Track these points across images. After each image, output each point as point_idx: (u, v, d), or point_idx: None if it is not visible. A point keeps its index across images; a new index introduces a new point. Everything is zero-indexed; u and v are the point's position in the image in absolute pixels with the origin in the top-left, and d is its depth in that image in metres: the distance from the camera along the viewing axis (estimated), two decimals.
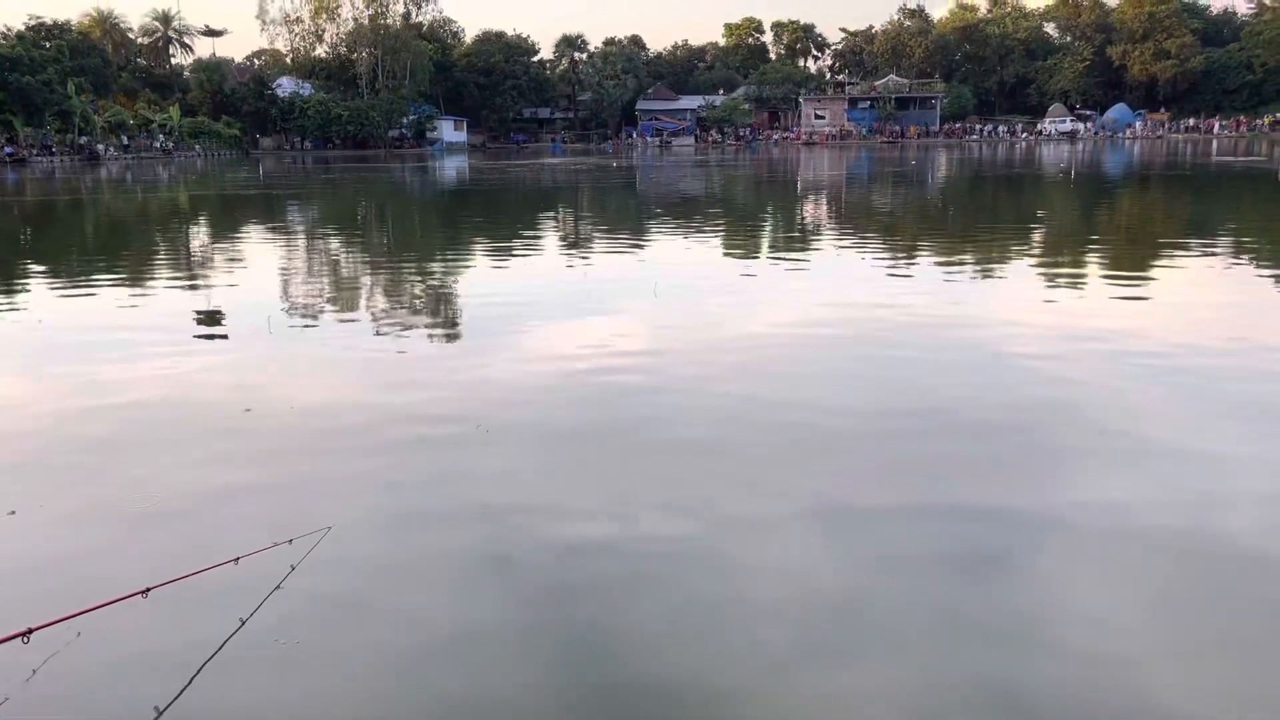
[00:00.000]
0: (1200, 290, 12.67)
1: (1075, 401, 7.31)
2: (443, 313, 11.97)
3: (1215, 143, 77.06)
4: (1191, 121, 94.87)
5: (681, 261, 16.33)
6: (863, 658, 3.87)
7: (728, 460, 6.11)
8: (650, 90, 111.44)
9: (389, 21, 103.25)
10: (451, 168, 60.12)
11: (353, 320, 11.50)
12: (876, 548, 4.86)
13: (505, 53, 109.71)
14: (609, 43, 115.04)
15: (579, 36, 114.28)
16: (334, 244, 21.11)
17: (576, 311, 11.51)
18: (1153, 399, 7.43)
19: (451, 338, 10.42)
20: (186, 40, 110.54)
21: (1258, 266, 15.12)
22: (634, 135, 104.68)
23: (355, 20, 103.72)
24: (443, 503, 5.50)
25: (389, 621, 4.18)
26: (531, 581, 4.51)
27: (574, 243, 19.51)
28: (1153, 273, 14.49)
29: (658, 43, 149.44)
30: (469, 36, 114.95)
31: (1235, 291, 12.61)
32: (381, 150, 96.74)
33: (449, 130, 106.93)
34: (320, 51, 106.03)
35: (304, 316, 11.66)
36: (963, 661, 3.82)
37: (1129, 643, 3.94)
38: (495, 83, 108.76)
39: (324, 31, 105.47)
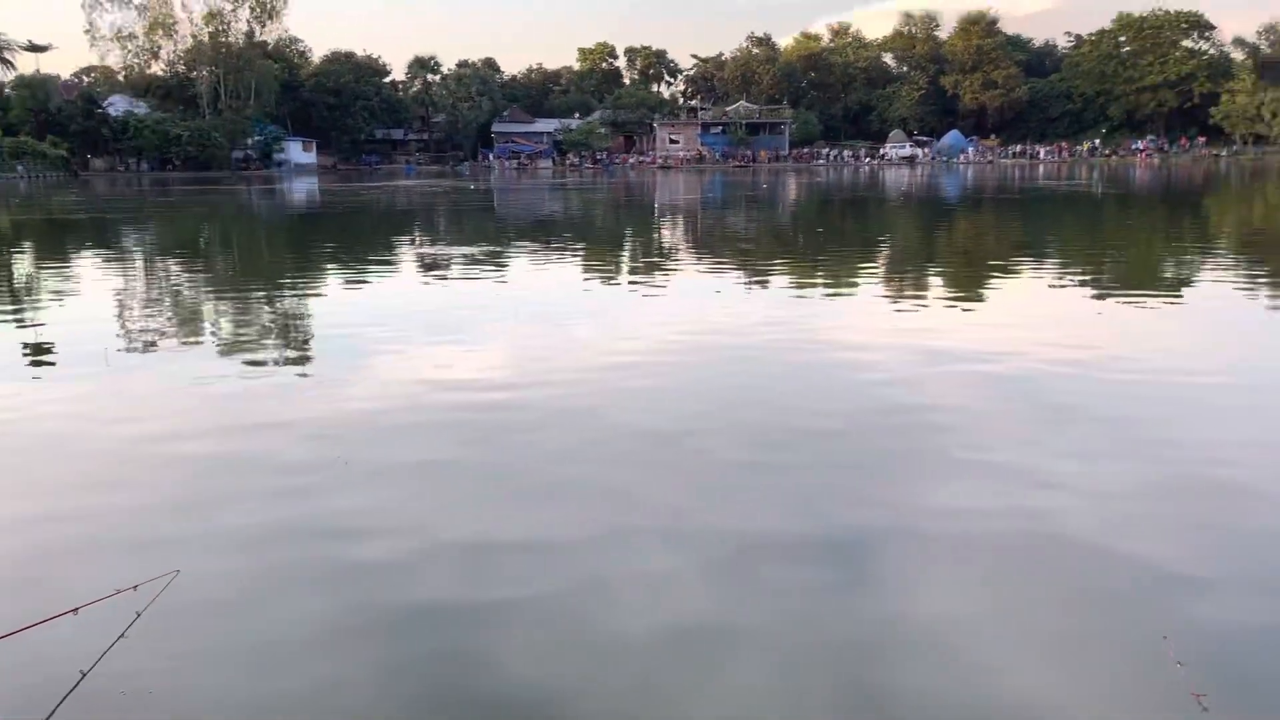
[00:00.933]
0: (1032, 304, 13.48)
1: (921, 413, 7.64)
2: (295, 341, 11.57)
3: (1041, 167, 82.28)
4: (1019, 147, 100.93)
5: (543, 285, 16.30)
6: (727, 672, 3.92)
7: (590, 485, 6.11)
8: (506, 113, 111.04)
9: (231, 40, 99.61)
10: (301, 190, 58.35)
11: (198, 351, 10.97)
12: (737, 562, 4.94)
13: (355, 73, 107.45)
14: (463, 64, 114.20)
15: (432, 58, 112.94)
16: (175, 271, 20.13)
17: (436, 338, 11.31)
18: (991, 409, 7.84)
19: (305, 367, 10.07)
20: (7, 55, 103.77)
21: (1080, 281, 16.18)
22: (491, 158, 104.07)
23: (194, 38, 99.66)
24: (298, 542, 5.30)
25: (241, 669, 3.99)
26: (392, 625, 4.39)
27: (432, 266, 19.21)
28: (988, 289, 15.32)
29: (512, 65, 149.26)
30: (317, 56, 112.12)
31: (1063, 305, 13.46)
32: (226, 172, 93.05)
33: (297, 151, 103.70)
34: (156, 69, 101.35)
35: (144, 348, 11.07)
36: (824, 670, 3.92)
37: (980, 642, 4.13)
38: (345, 103, 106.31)
39: (160, 49, 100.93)
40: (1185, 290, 15.24)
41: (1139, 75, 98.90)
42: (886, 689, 3.79)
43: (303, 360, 10.37)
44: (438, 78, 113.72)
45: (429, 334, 11.50)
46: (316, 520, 5.55)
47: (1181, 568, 4.81)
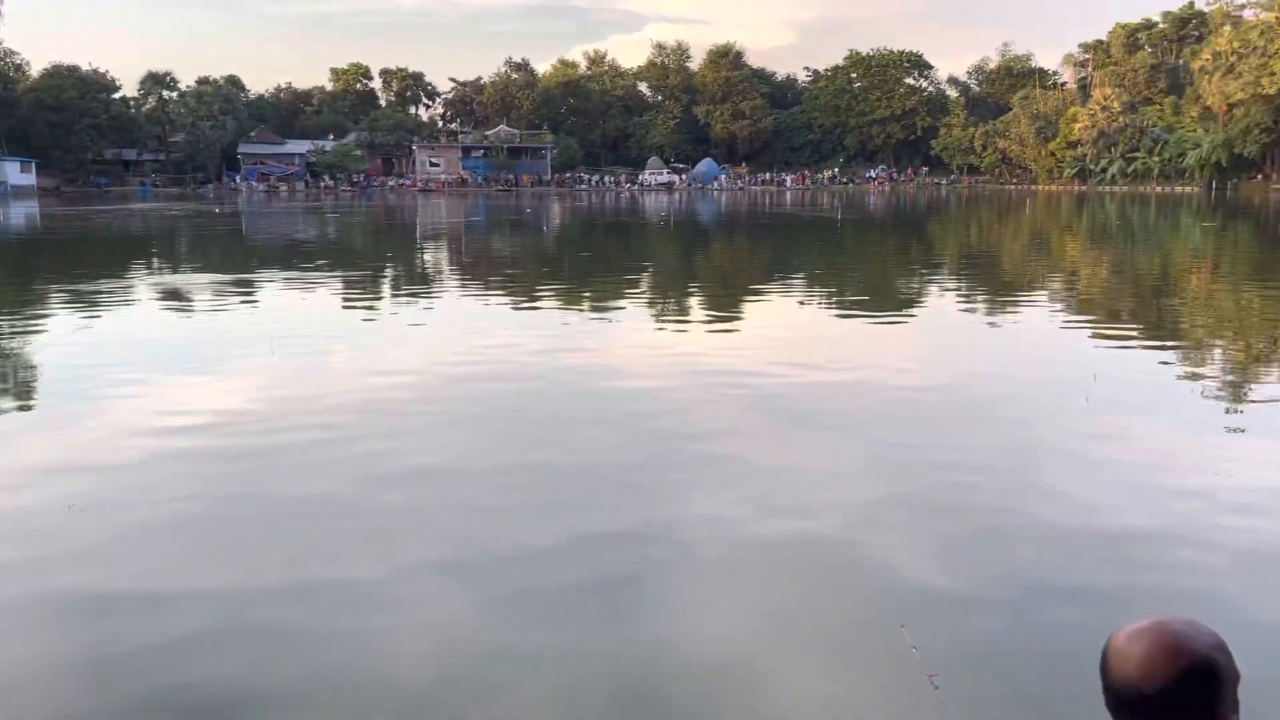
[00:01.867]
0: (783, 323, 14.31)
1: (683, 431, 7.94)
2: (16, 379, 10.50)
3: (788, 194, 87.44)
4: (767, 175, 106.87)
5: (298, 312, 15.62)
6: (504, 690, 3.92)
7: (355, 517, 5.94)
8: (253, 133, 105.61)
9: None
10: (18, 214, 52.95)
11: None
12: (509, 582, 4.95)
13: (80, 88, 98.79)
14: (203, 81, 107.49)
15: (168, 74, 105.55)
16: None
17: (180, 371, 10.58)
18: (748, 424, 8.26)
19: (29, 407, 9.17)
20: None
21: (826, 301, 17.35)
22: (238, 180, 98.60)
23: None
24: (29, 593, 4.82)
25: None
26: (136, 675, 4.08)
27: (172, 295, 17.96)
28: (744, 309, 16.12)
29: (259, 84, 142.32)
30: (36, 70, 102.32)
31: (810, 323, 14.38)
32: None
33: (14, 173, 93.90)
34: None
35: None
36: (599, 687, 4.00)
37: (738, 642, 4.35)
38: (69, 120, 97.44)
39: None
40: (915, 308, 16.65)
41: (870, 109, 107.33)
42: (657, 693, 3.92)
43: (27, 400, 9.43)
44: (175, 95, 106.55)
45: (168, 369, 10.73)
46: (49, 570, 5.06)
47: (916, 562, 5.25)
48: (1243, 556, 5.29)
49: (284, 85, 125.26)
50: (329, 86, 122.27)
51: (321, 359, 11.34)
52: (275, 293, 18.42)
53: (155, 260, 27.11)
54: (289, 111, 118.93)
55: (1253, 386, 10.14)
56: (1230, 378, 10.54)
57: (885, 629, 4.13)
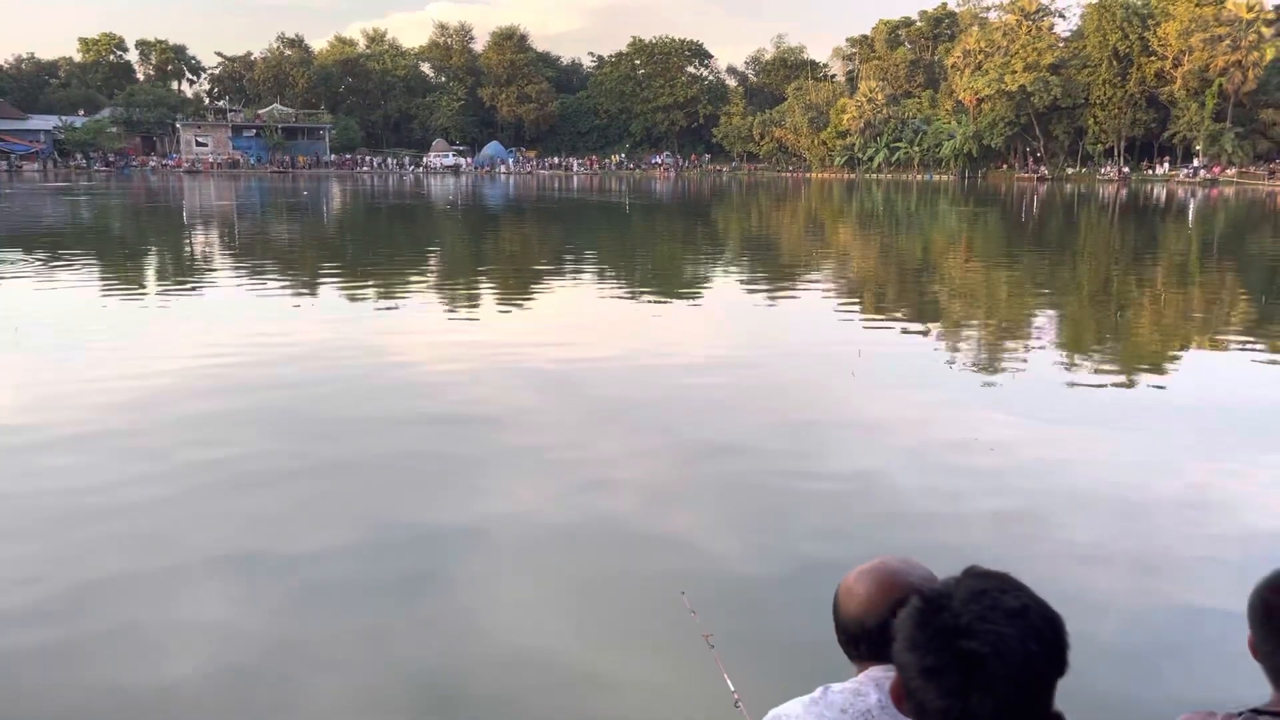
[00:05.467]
0: (575, 308, 14.50)
1: (481, 415, 7.95)
2: None
3: (576, 179, 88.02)
4: (555, 160, 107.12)
5: (43, 302, 14.35)
6: (299, 687, 3.87)
7: (128, 516, 5.62)
8: None
9: None
10: None
11: None
12: (302, 582, 4.85)
13: None
14: None
15: None
16: None
17: None
18: (545, 408, 8.37)
19: None
20: None
21: (616, 284, 17.69)
22: None
23: None
24: None
25: None
26: None
27: None
28: (538, 295, 16.19)
29: None
30: None
31: (602, 307, 14.63)
32: None
33: None
34: None
35: None
36: (399, 675, 4.01)
37: (537, 620, 4.47)
38: None
39: None
40: (699, 291, 17.25)
41: (654, 96, 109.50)
42: (460, 682, 3.98)
43: None
44: None
45: None
46: None
47: (697, 532, 5.54)
48: (990, 516, 5.88)
49: (25, 55, 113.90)
50: (77, 58, 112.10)
51: (70, 350, 10.51)
52: (15, 280, 16.84)
53: None
54: (31, 84, 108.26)
55: (1003, 358, 11.20)
56: (983, 351, 11.59)
57: (666, 595, 4.34)
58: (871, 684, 1.55)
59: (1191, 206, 44.62)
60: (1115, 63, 72.14)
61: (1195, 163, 71.06)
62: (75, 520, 5.60)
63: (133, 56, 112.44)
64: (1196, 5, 68.36)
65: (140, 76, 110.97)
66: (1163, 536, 5.58)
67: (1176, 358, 11.44)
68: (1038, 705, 1.13)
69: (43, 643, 4.21)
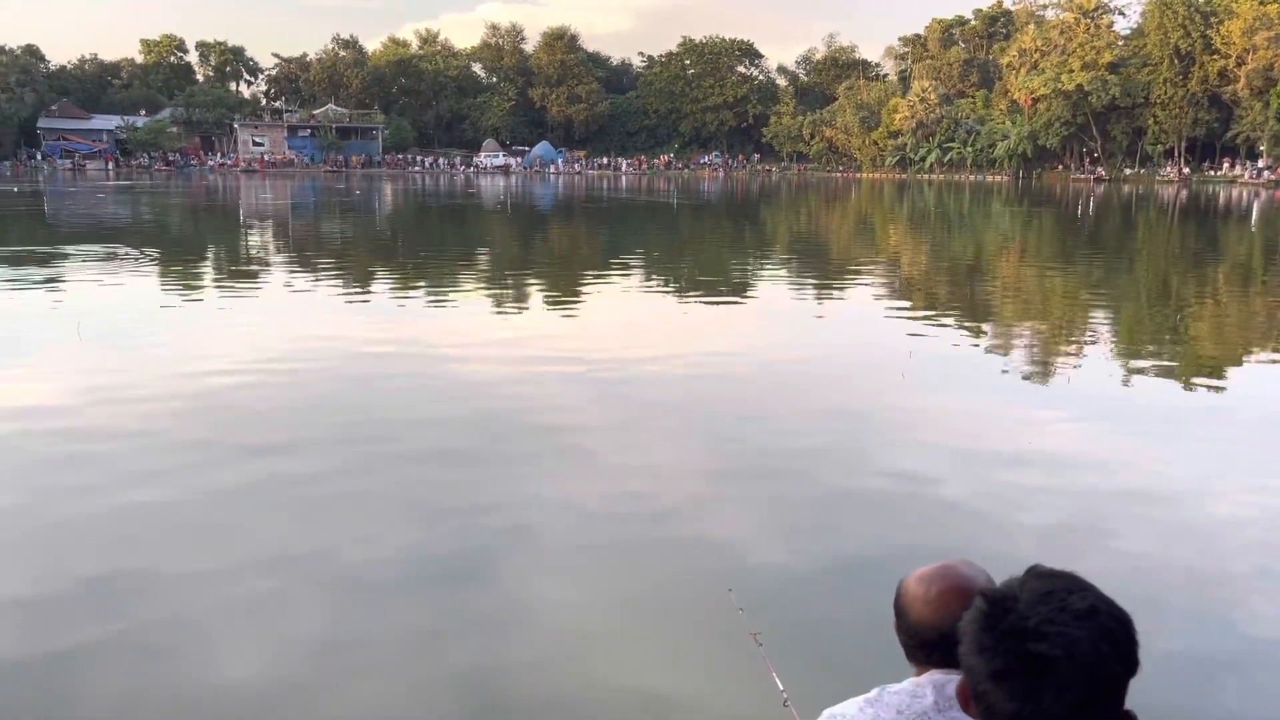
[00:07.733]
0: (625, 308, 14.52)
1: (528, 412, 8.00)
2: None
3: (624, 179, 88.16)
4: (604, 160, 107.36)
5: (108, 299, 14.71)
6: (347, 687, 3.92)
7: (181, 510, 5.74)
8: (55, 107, 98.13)
9: None
10: None
11: None
12: (346, 576, 4.92)
13: None
14: None
15: None
16: None
17: None
18: (594, 405, 8.40)
19: None
20: None
21: (665, 285, 17.69)
22: (40, 157, 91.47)
23: None
24: None
25: None
26: None
27: None
28: (587, 294, 16.25)
29: (60, 55, 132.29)
30: None
31: (651, 307, 14.64)
32: None
33: None
34: None
35: None
36: (447, 674, 4.06)
37: (586, 616, 4.49)
38: None
39: None
40: (749, 292, 17.18)
41: (703, 96, 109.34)
42: (509, 681, 4.01)
43: None
44: None
45: None
46: None
47: (744, 531, 5.52)
48: (1043, 522, 5.79)
49: (89, 56, 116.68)
50: (139, 59, 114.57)
51: (133, 346, 10.76)
52: (82, 277, 17.26)
53: None
54: (95, 85, 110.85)
55: (1055, 362, 11.02)
56: (1036, 355, 11.41)
57: (714, 593, 4.34)
58: (930, 686, 1.53)
59: (1255, 208, 43.50)
60: (1176, 61, 70.61)
61: (1259, 164, 69.28)
62: (128, 515, 5.73)
63: (193, 58, 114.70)
64: (1261, 3, 66.65)
65: (200, 77, 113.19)
66: (1220, 546, 5.45)
67: (1237, 365, 11.17)
68: (1110, 705, 1.11)
69: (95, 639, 4.30)
